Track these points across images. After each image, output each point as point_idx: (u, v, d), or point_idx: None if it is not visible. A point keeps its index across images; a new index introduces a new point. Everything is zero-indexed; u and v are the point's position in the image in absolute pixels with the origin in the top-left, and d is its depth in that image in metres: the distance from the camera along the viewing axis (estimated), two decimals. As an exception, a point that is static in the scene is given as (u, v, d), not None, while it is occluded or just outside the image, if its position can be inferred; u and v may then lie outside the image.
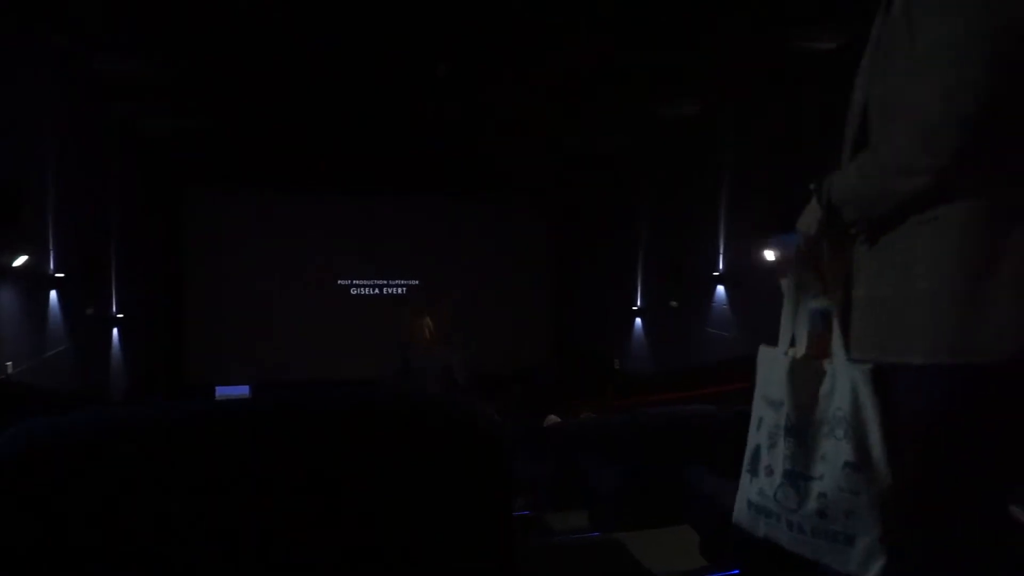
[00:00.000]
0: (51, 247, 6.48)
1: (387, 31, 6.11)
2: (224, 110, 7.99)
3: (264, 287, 10.47)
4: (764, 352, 1.27)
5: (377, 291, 11.18)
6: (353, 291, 11.10)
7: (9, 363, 5.62)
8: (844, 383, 1.10)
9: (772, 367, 1.22)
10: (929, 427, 1.01)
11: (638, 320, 9.88)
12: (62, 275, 6.57)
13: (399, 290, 11.23)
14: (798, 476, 1.13)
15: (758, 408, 1.24)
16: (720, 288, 7.89)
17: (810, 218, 1.16)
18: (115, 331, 8.30)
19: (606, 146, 9.57)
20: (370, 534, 0.85)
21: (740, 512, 1.23)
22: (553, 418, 5.61)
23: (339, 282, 11.03)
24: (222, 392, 8.63)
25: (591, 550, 2.13)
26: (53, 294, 6.58)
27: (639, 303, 9.87)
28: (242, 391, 8.93)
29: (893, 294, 1.03)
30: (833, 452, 1.09)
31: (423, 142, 9.10)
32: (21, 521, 0.75)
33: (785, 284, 1.24)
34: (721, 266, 7.88)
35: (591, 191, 10.90)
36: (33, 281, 6.17)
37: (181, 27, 5.96)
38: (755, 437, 1.22)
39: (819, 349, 1.17)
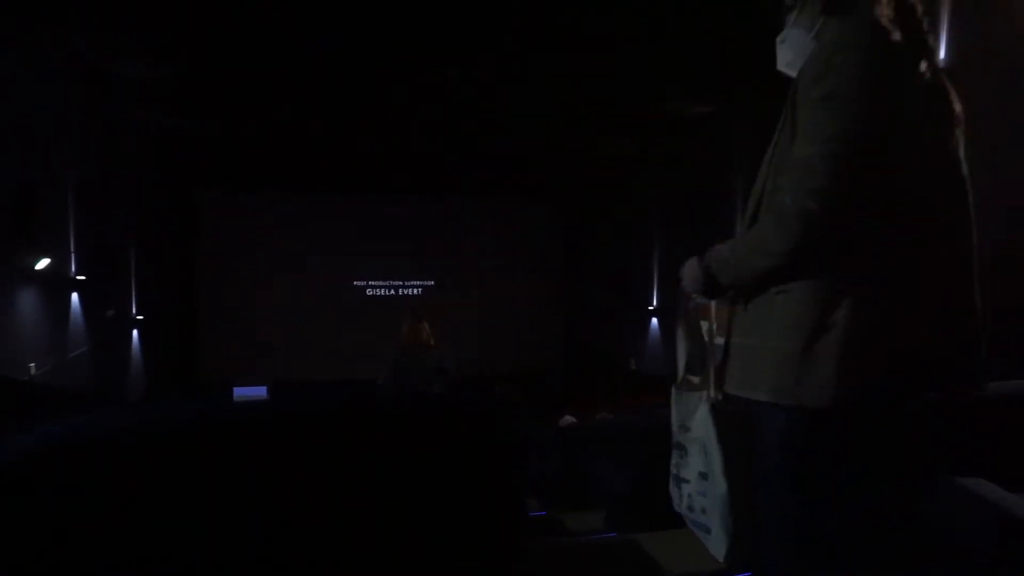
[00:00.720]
0: (72, 250, 6.56)
1: (398, 33, 6.13)
2: (240, 112, 8.05)
3: (280, 288, 10.54)
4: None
5: (393, 292, 11.22)
6: (369, 291, 11.15)
7: (32, 364, 5.71)
8: (703, 411, 1.43)
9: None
10: (770, 450, 1.30)
11: (654, 320, 9.84)
12: (83, 278, 6.65)
13: (415, 290, 11.27)
14: (679, 480, 1.48)
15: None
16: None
17: (690, 278, 1.45)
18: (135, 332, 8.40)
19: (621, 146, 9.54)
20: (376, 534, 0.85)
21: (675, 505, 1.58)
22: (569, 418, 5.60)
23: (355, 283, 11.08)
24: (239, 393, 8.68)
25: (607, 551, 2.13)
26: (74, 296, 6.66)
27: (655, 303, 9.82)
28: (259, 391, 8.99)
29: (753, 346, 1.31)
30: (694, 463, 1.44)
31: (437, 144, 9.12)
32: (37, 521, 0.77)
33: (681, 327, 1.57)
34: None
35: (606, 191, 10.87)
36: (55, 284, 6.25)
37: (197, 30, 6.02)
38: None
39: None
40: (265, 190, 10.43)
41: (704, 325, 1.53)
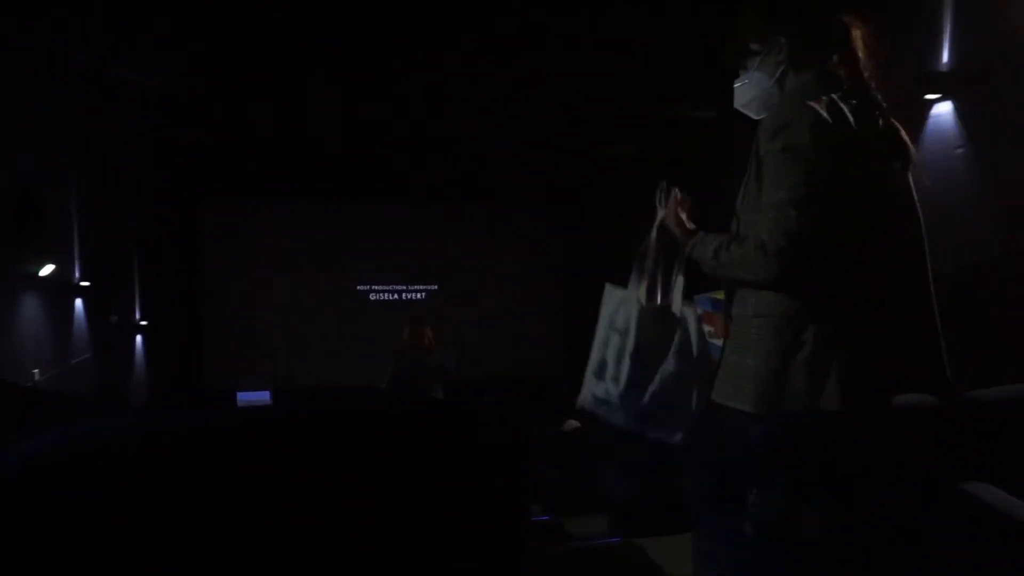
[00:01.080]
0: (76, 256, 6.57)
1: (398, 36, 6.14)
2: (244, 118, 8.07)
3: (284, 293, 10.55)
4: (610, 291, 1.89)
5: (396, 296, 11.22)
6: (372, 296, 11.15)
7: (36, 370, 5.72)
8: (680, 321, 1.69)
9: (621, 304, 1.83)
10: (754, 456, 1.46)
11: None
12: (87, 283, 6.66)
13: (418, 295, 11.27)
14: (639, 383, 1.69)
15: (604, 332, 1.81)
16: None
17: (675, 222, 1.86)
18: (138, 338, 8.41)
19: (622, 148, 9.55)
20: (378, 539, 0.85)
21: (585, 401, 1.81)
22: (573, 423, 5.59)
23: (358, 288, 11.08)
24: (243, 398, 8.69)
25: (611, 555, 2.13)
26: (78, 302, 6.67)
27: (657, 306, 9.80)
28: (263, 396, 8.99)
29: (737, 362, 1.52)
30: (664, 366, 1.66)
31: (438, 148, 9.13)
32: (41, 528, 0.77)
33: (647, 247, 1.89)
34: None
35: (607, 194, 10.87)
36: (59, 289, 6.27)
37: (201, 38, 6.04)
38: (601, 351, 1.81)
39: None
40: (268, 195, 10.45)
41: (706, 329, 1.73)
